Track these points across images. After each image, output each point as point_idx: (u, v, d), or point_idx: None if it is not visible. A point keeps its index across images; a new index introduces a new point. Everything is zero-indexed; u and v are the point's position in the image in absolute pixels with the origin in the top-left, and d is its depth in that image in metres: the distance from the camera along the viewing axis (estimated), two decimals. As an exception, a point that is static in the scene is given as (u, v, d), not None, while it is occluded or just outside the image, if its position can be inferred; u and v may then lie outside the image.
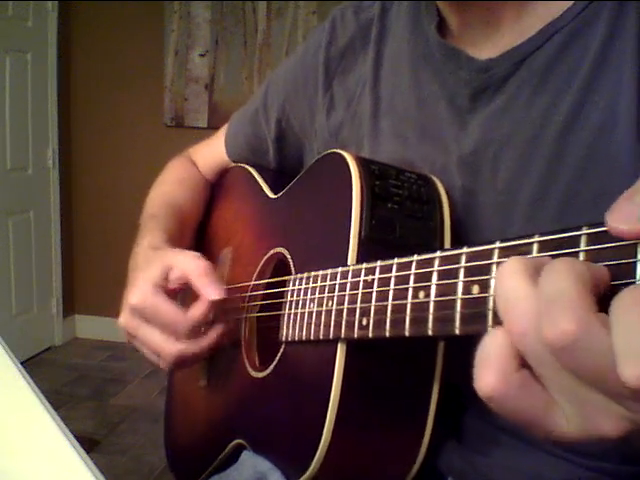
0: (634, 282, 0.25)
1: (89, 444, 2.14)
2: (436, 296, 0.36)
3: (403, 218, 0.52)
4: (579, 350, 0.24)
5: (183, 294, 0.65)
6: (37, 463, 0.46)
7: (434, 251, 0.38)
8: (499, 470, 0.55)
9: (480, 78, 0.53)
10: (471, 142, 0.54)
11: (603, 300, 0.24)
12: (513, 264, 0.28)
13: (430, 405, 0.52)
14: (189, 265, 0.62)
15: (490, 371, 0.27)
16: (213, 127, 3.07)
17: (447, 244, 0.53)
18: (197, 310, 0.60)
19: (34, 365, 2.80)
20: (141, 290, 0.62)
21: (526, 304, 0.26)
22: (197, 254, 0.64)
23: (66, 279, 3.13)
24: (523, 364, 0.27)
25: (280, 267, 0.65)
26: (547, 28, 0.50)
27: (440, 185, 0.55)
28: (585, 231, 0.27)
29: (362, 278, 0.46)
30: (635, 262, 0.25)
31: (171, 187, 0.84)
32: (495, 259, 0.32)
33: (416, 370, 0.52)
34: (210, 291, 0.60)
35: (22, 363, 0.62)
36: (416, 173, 0.55)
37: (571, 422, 0.27)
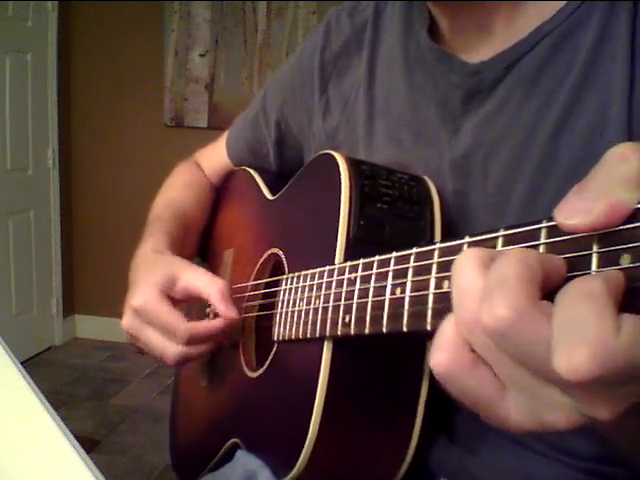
0: (589, 273, 0.25)
1: (89, 444, 2.14)
2: (411, 292, 0.37)
3: (393, 218, 0.52)
4: (514, 336, 0.24)
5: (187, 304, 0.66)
6: (37, 463, 0.46)
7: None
8: (490, 470, 0.55)
9: (471, 81, 0.54)
10: (463, 145, 0.55)
11: (557, 292, 0.24)
12: (468, 254, 0.28)
13: (418, 404, 0.52)
14: (207, 284, 0.63)
15: (442, 350, 0.28)
16: (213, 127, 3.06)
17: None
18: (202, 325, 0.62)
19: (34, 365, 2.80)
20: (144, 293, 0.62)
21: (472, 291, 0.26)
22: (206, 271, 0.65)
23: (66, 279, 3.13)
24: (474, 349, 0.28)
25: (277, 268, 0.65)
26: (538, 30, 0.50)
27: (431, 185, 0.55)
28: (545, 224, 0.28)
29: (346, 276, 0.46)
30: (590, 254, 0.25)
31: (177, 192, 0.85)
32: None
33: (404, 369, 0.52)
34: (230, 311, 0.61)
35: (22, 363, 0.62)
36: (407, 174, 0.56)
37: (522, 411, 0.27)
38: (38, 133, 2.86)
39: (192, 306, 0.66)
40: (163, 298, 0.62)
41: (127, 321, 0.63)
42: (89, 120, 3.06)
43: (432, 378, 0.52)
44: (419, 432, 0.52)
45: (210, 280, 0.63)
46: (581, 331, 0.22)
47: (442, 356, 0.28)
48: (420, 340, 0.52)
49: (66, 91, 3.03)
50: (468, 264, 0.27)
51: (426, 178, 0.56)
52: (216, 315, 0.64)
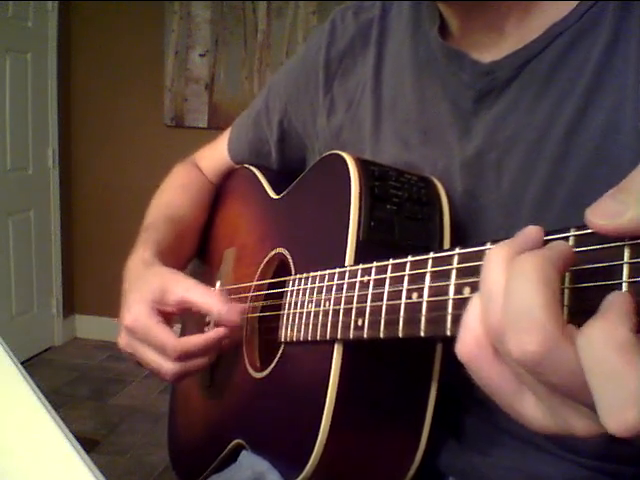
0: (620, 283, 0.25)
1: (89, 444, 2.14)
2: (428, 297, 0.36)
3: (402, 220, 0.52)
4: (544, 367, 0.24)
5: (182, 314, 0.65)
6: (37, 463, 0.46)
7: (429, 252, 0.38)
8: (499, 470, 0.55)
9: (483, 81, 0.53)
10: (474, 145, 0.54)
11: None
12: (497, 252, 0.28)
13: (428, 406, 0.52)
14: (203, 297, 0.62)
15: (466, 340, 0.28)
16: (213, 127, 3.05)
17: (447, 246, 0.53)
18: (193, 340, 0.61)
19: (34, 365, 2.80)
20: (134, 311, 0.62)
21: (500, 302, 0.26)
22: (197, 282, 0.64)
23: (66, 279, 3.12)
24: None
25: (282, 267, 0.65)
26: (550, 30, 0.50)
27: (440, 187, 0.55)
28: (573, 232, 0.27)
29: (358, 279, 0.46)
30: (621, 264, 0.25)
31: (172, 195, 0.85)
32: None
33: (414, 371, 0.52)
34: (233, 316, 0.60)
35: (22, 363, 0.62)
36: (416, 175, 0.55)
37: (542, 416, 0.27)
38: (38, 133, 2.86)
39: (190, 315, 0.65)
40: (153, 314, 0.61)
41: (123, 341, 0.64)
42: (89, 120, 3.06)
43: (441, 379, 0.52)
44: (428, 433, 0.52)
45: (205, 292, 0.62)
46: (623, 389, 0.22)
47: (466, 343, 0.28)
48: (430, 342, 0.51)
49: (66, 91, 3.03)
50: (497, 264, 0.27)
51: (434, 179, 0.56)
52: (216, 323, 0.63)
